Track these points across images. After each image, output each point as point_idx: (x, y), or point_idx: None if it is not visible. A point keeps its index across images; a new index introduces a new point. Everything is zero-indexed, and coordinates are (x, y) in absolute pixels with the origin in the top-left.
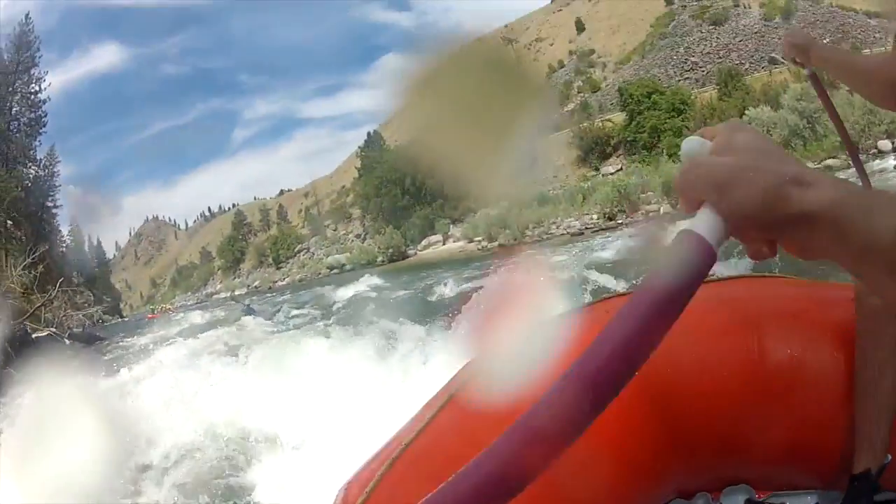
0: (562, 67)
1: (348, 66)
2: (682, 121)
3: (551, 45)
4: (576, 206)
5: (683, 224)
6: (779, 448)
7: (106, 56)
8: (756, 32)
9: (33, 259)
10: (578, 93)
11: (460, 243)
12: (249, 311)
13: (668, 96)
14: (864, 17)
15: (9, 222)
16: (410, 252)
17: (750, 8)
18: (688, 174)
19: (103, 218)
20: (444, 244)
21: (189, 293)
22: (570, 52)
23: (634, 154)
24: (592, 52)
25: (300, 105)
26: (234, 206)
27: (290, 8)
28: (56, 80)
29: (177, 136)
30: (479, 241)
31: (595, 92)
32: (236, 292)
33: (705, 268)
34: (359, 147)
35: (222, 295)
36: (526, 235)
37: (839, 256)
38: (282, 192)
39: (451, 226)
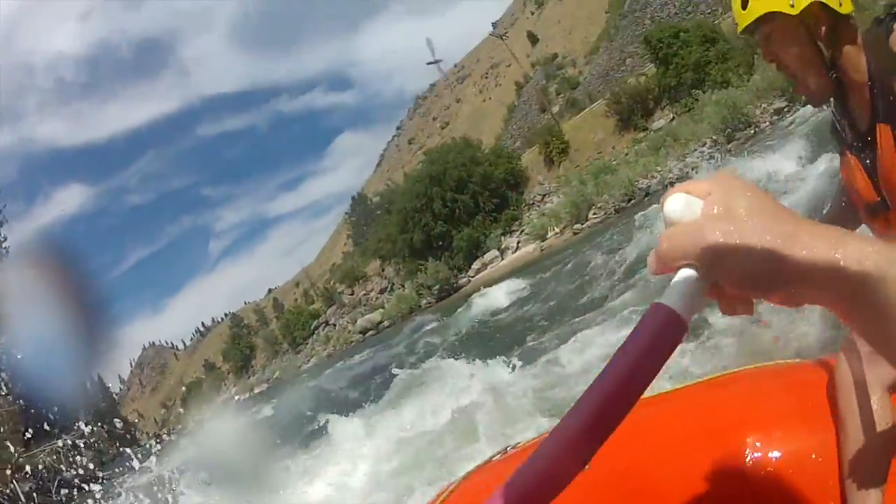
0: (529, 81)
1: (305, 156)
2: (722, 46)
3: (508, 66)
4: (674, 146)
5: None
6: None
7: (71, 199)
8: None
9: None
10: (558, 94)
11: (530, 247)
12: None
13: (695, 29)
14: None
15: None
16: (462, 281)
17: None
18: (677, 240)
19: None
20: (503, 259)
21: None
22: (533, 65)
23: (680, 99)
24: (555, 56)
25: (267, 205)
26: (226, 314)
27: (238, 116)
28: (29, 226)
29: (155, 262)
30: (562, 229)
31: (574, 88)
32: (255, 391)
33: (675, 342)
34: (345, 214)
35: (238, 398)
36: (636, 193)
37: (837, 309)
38: (270, 290)
39: (504, 237)
